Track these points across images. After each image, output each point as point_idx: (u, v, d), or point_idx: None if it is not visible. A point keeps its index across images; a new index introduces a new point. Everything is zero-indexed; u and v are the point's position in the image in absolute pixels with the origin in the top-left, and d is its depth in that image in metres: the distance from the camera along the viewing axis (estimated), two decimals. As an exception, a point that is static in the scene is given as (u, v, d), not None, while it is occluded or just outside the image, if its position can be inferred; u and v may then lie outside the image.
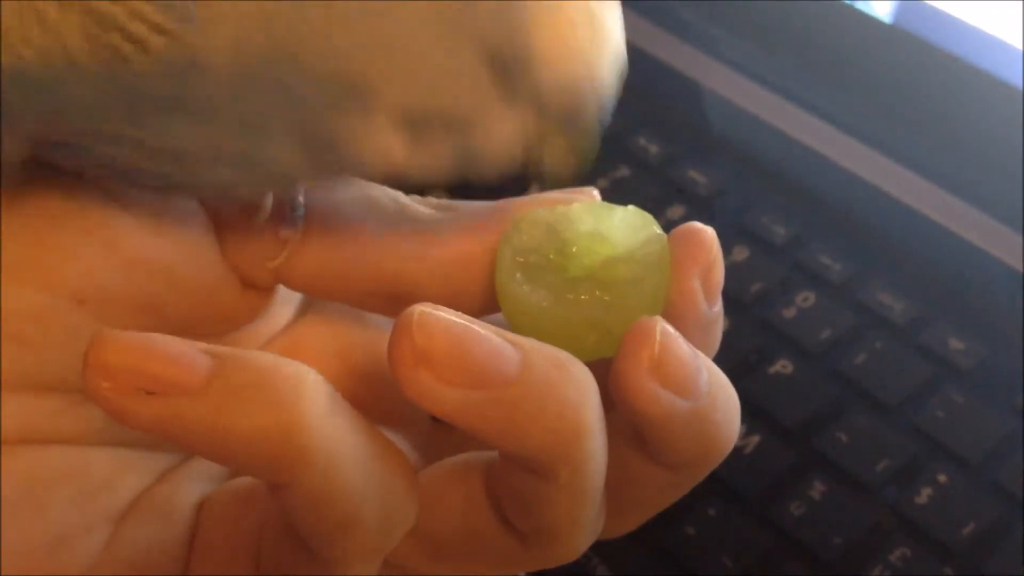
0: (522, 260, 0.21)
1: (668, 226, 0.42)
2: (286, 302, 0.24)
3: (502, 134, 0.19)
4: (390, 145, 0.18)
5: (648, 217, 0.21)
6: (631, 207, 0.21)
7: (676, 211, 0.41)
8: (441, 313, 0.17)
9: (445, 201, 0.22)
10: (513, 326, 0.21)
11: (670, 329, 0.19)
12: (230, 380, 0.17)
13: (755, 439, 0.34)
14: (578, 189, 0.22)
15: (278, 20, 0.16)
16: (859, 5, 0.44)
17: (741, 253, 0.39)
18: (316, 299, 0.24)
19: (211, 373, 0.17)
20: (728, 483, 0.33)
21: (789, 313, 0.37)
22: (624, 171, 0.42)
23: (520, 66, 0.18)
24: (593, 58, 0.19)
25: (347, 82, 0.17)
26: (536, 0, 0.18)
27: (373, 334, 0.24)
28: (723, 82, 0.46)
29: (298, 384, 0.17)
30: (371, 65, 0.17)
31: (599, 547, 0.24)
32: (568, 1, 0.18)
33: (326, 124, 0.18)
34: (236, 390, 0.17)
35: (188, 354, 0.17)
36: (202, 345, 0.17)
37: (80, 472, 0.20)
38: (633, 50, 0.51)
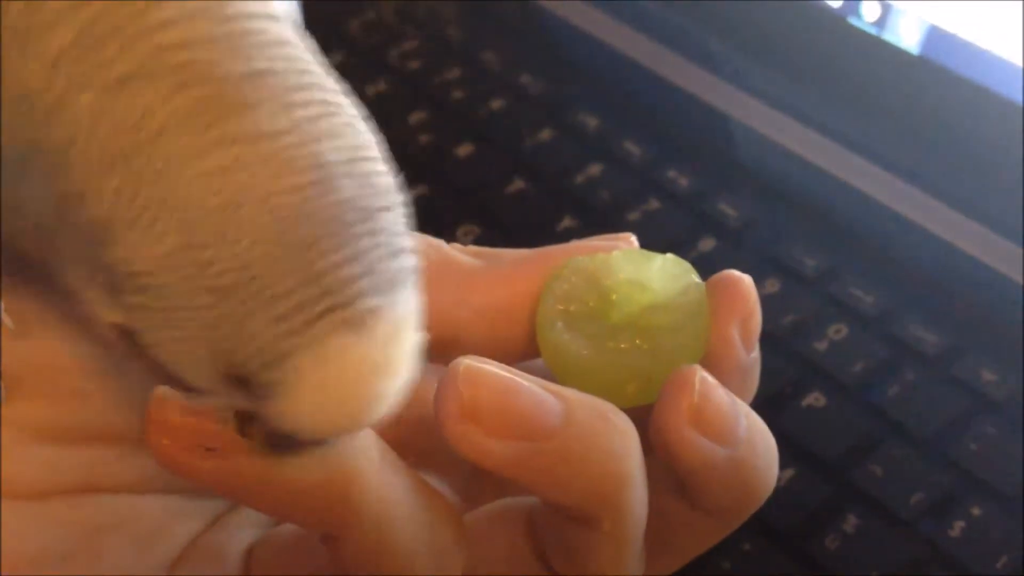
0: (563, 308, 0.21)
1: (699, 259, 0.42)
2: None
3: (213, 399, 0.17)
4: (103, 320, 0.16)
5: (686, 265, 0.22)
6: (670, 255, 0.22)
7: (707, 243, 0.41)
8: (486, 366, 0.18)
9: (487, 249, 0.23)
10: (554, 373, 0.21)
11: (709, 377, 0.19)
12: None
13: (789, 472, 0.34)
14: (617, 236, 0.23)
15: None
16: (887, 36, 0.44)
17: (773, 285, 0.40)
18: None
19: None
20: (763, 517, 0.33)
21: (821, 346, 0.38)
22: (655, 204, 0.43)
23: (258, 392, 0.16)
24: (340, 416, 0.16)
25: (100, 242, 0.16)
26: (316, 348, 0.15)
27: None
28: (753, 114, 0.46)
29: (351, 438, 0.17)
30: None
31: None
32: (349, 359, 0.15)
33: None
34: None
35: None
36: None
37: (134, 519, 0.21)
38: (662, 83, 0.51)
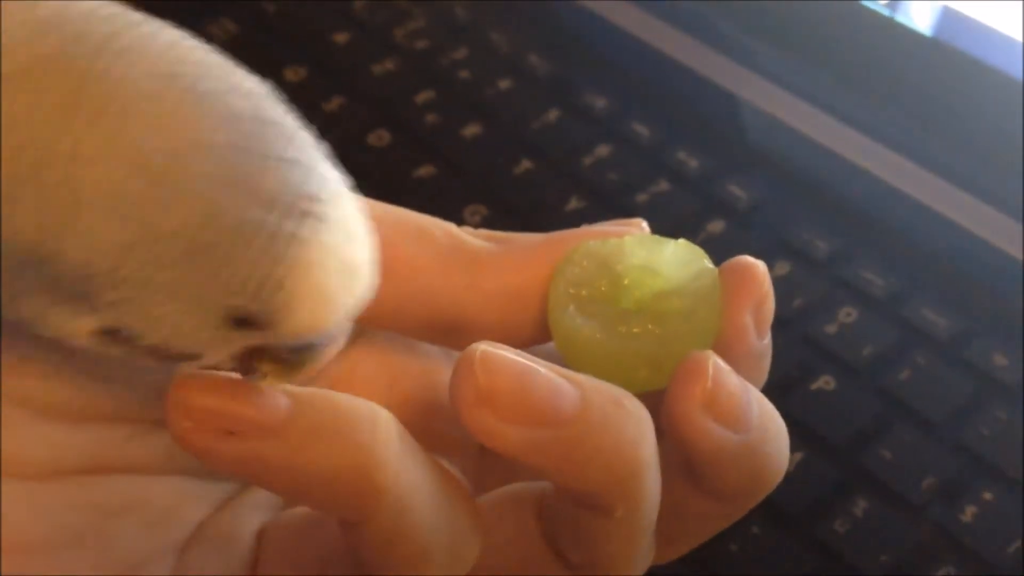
0: (574, 292, 0.21)
1: (708, 241, 0.42)
2: (338, 331, 0.24)
3: (217, 355, 0.17)
4: (79, 333, 0.16)
5: (699, 250, 0.21)
6: (682, 240, 0.22)
7: (716, 226, 0.41)
8: (503, 352, 0.18)
9: (498, 233, 0.23)
10: (565, 357, 0.21)
11: (722, 363, 0.19)
12: (308, 421, 0.17)
13: (798, 456, 0.34)
14: (628, 221, 0.23)
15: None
16: (899, 18, 0.43)
17: (782, 268, 0.39)
18: (366, 328, 0.24)
19: (289, 414, 0.17)
20: (772, 501, 0.33)
21: (831, 329, 0.37)
22: (664, 185, 0.42)
23: (262, 320, 0.16)
24: (336, 308, 0.17)
25: (81, 275, 0.16)
26: (296, 257, 0.16)
27: (423, 362, 0.24)
28: (762, 95, 0.46)
29: (373, 425, 0.17)
30: (108, 283, 0.16)
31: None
32: (326, 255, 0.16)
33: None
34: (314, 431, 0.17)
35: (267, 395, 0.17)
36: (280, 385, 0.17)
37: (146, 501, 0.21)
38: (671, 64, 0.51)
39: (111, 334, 0.16)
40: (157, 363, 0.17)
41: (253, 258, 0.16)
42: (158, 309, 0.16)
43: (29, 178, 0.15)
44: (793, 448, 0.34)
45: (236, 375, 0.18)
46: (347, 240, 0.17)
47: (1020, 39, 0.40)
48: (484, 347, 0.18)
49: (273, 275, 0.16)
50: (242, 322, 0.16)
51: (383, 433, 0.18)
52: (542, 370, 0.18)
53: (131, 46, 0.15)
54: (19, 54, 0.15)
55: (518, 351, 0.18)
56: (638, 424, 0.18)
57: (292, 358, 0.17)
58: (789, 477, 0.33)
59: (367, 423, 0.17)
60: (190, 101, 0.15)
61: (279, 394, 0.17)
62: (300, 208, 0.16)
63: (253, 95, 0.16)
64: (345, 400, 0.18)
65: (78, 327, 0.16)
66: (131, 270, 0.15)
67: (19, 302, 0.16)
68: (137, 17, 0.16)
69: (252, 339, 0.17)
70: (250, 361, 0.17)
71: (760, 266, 0.21)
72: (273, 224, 0.16)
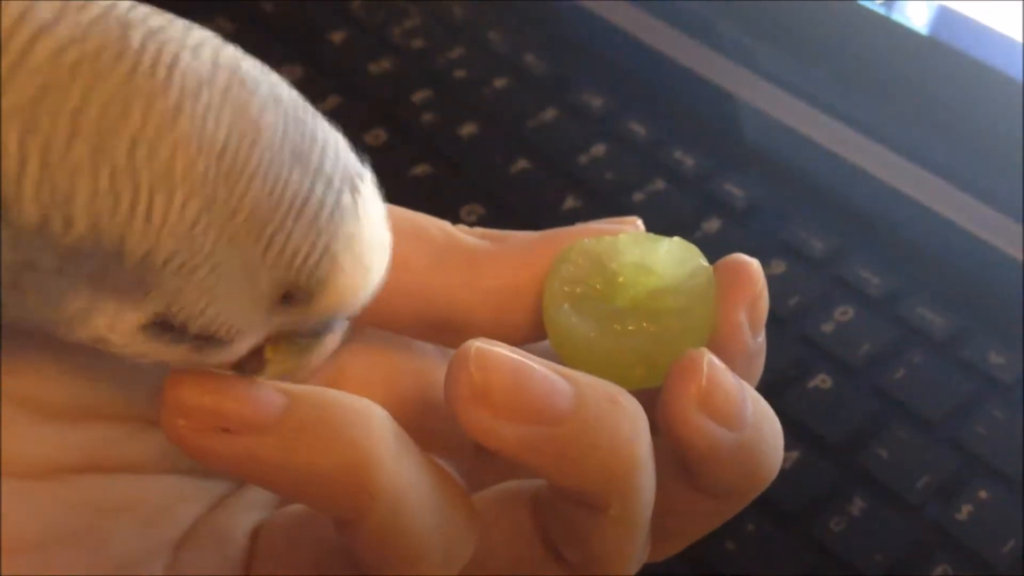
0: (569, 290, 0.21)
1: (705, 239, 0.42)
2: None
3: (251, 340, 0.17)
4: (123, 328, 0.16)
5: (693, 249, 0.21)
6: (676, 238, 0.22)
7: (712, 224, 0.41)
8: (498, 349, 0.18)
9: (493, 231, 0.23)
10: (560, 355, 0.21)
11: (717, 361, 0.19)
12: (302, 418, 0.17)
13: (795, 454, 0.34)
14: (623, 219, 0.23)
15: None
16: (895, 16, 0.44)
17: (779, 267, 0.39)
18: (361, 326, 0.24)
19: (284, 412, 0.17)
20: (768, 499, 0.33)
21: (828, 328, 0.37)
22: (660, 184, 0.42)
23: (304, 295, 0.17)
24: (365, 291, 0.18)
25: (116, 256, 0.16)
26: (345, 229, 0.17)
27: (418, 361, 0.24)
28: (759, 94, 0.46)
29: (367, 422, 0.17)
30: (155, 267, 0.16)
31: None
32: (368, 228, 0.17)
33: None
34: (308, 429, 0.17)
35: (262, 393, 0.17)
36: (275, 383, 0.17)
37: (139, 500, 0.21)
38: (668, 63, 0.51)
39: (158, 325, 0.16)
40: (187, 356, 0.17)
41: (310, 229, 0.16)
42: (212, 291, 0.16)
43: (85, 168, 0.15)
44: (789, 447, 0.34)
45: (230, 372, 0.18)
46: (380, 217, 0.18)
47: (1016, 37, 0.40)
48: (479, 344, 0.18)
49: (327, 247, 0.16)
50: (286, 299, 0.17)
51: (378, 430, 0.18)
52: (537, 367, 0.18)
53: (172, 38, 0.15)
54: (70, 52, 0.15)
55: (513, 348, 0.18)
56: (633, 421, 0.18)
57: (305, 342, 0.18)
58: (786, 476, 0.34)
59: (361, 420, 0.17)
60: (238, 83, 0.16)
61: (273, 392, 0.17)
62: (349, 183, 0.17)
63: (281, 81, 0.17)
64: (339, 397, 0.18)
65: (123, 322, 0.16)
66: (192, 252, 0.16)
67: (63, 302, 0.16)
68: (167, 16, 0.16)
69: (285, 319, 0.17)
70: (258, 352, 0.18)
71: (754, 264, 0.21)
72: (331, 198, 0.16)
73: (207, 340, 0.17)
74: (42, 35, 0.15)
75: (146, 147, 0.15)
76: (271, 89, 0.16)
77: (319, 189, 0.16)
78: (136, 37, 0.15)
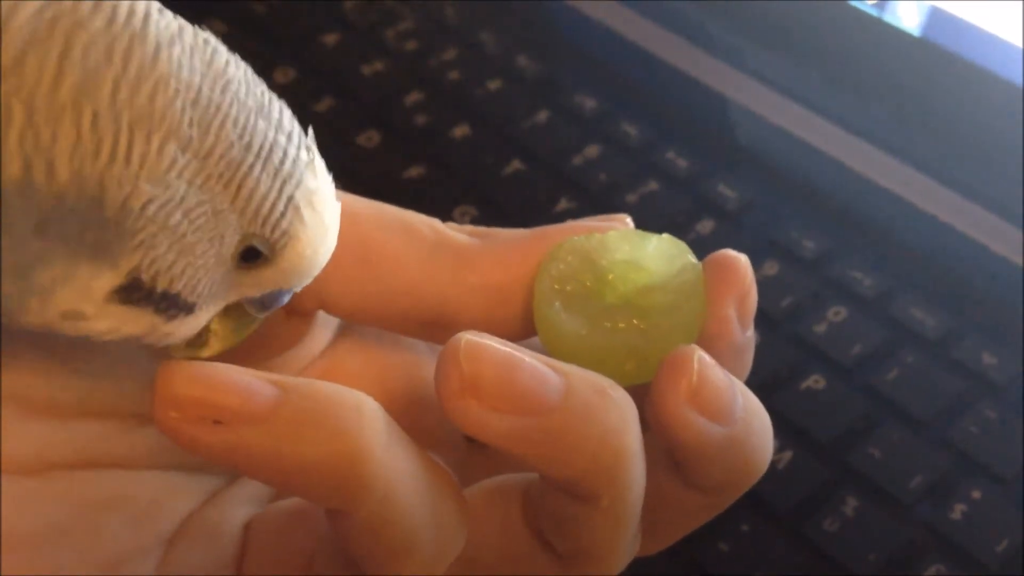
0: (559, 288, 0.21)
1: (698, 241, 0.42)
2: (324, 326, 0.24)
3: (216, 305, 0.18)
4: (95, 296, 0.17)
5: (682, 245, 0.21)
6: (665, 235, 0.22)
7: (705, 225, 0.41)
8: (487, 341, 0.18)
9: (482, 228, 0.23)
10: (550, 352, 0.21)
11: (707, 357, 0.19)
12: (294, 409, 0.17)
13: (787, 455, 0.34)
14: (612, 216, 0.23)
15: None
16: (887, 17, 0.44)
17: (771, 267, 0.39)
18: (351, 323, 0.24)
19: (276, 403, 0.17)
20: (761, 499, 0.33)
21: (820, 328, 0.37)
22: (653, 185, 0.42)
23: (267, 252, 0.18)
24: (324, 251, 0.19)
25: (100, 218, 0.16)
26: (306, 183, 0.18)
27: (408, 357, 0.24)
28: (751, 95, 0.46)
29: (359, 413, 0.17)
30: (136, 226, 0.16)
31: (632, 563, 0.25)
32: (326, 188, 0.18)
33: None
34: (300, 419, 0.17)
35: (254, 384, 0.17)
36: (267, 375, 0.18)
37: (131, 495, 0.21)
38: (660, 64, 0.51)
39: (127, 290, 0.17)
40: (153, 325, 0.17)
41: (275, 178, 0.17)
42: (183, 241, 0.17)
43: (68, 112, 0.15)
44: (782, 447, 0.34)
45: (226, 365, 0.18)
46: (332, 184, 0.18)
47: (1007, 39, 0.41)
48: (469, 336, 0.18)
49: (291, 198, 0.17)
50: (250, 255, 0.18)
51: (369, 421, 0.18)
52: (527, 358, 0.18)
53: (147, 14, 0.16)
54: (49, 10, 0.15)
55: (503, 340, 0.18)
56: (623, 412, 0.18)
57: (250, 318, 0.19)
58: (779, 476, 0.34)
59: (353, 411, 0.17)
60: (203, 40, 0.17)
61: (265, 383, 0.17)
62: (304, 142, 0.18)
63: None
64: (331, 389, 0.18)
65: (95, 288, 0.16)
66: (168, 197, 0.16)
67: (36, 270, 0.16)
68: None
69: (243, 285, 0.18)
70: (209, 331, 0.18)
71: (742, 259, 0.21)
72: (292, 150, 0.17)
73: (173, 303, 0.17)
74: (20, 3, 0.15)
75: (127, 88, 0.15)
76: (228, 51, 0.17)
77: (282, 140, 0.17)
78: (106, 9, 0.16)
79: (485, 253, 0.22)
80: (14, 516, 0.19)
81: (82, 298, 0.17)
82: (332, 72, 0.46)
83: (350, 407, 0.18)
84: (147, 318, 0.17)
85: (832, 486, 0.33)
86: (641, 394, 0.20)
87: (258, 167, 0.17)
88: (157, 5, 0.16)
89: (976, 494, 0.33)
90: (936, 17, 0.42)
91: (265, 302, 0.19)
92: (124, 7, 0.16)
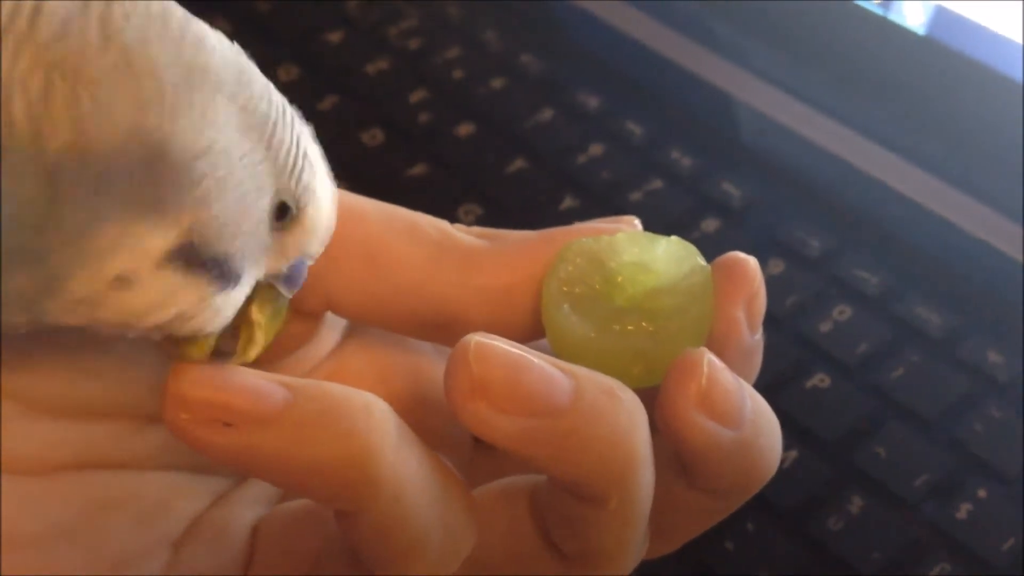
0: (568, 290, 0.21)
1: (702, 239, 0.42)
2: (332, 328, 0.24)
3: (249, 279, 0.18)
4: (149, 256, 0.17)
5: (691, 247, 0.21)
6: (674, 237, 0.22)
7: (710, 224, 0.41)
8: (496, 342, 0.18)
9: (489, 230, 0.23)
10: (559, 355, 0.21)
11: (716, 361, 0.19)
12: (304, 411, 0.17)
13: (793, 454, 0.34)
14: (620, 218, 0.23)
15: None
16: (892, 16, 0.44)
17: (776, 266, 0.39)
18: (357, 324, 0.24)
19: (286, 404, 0.17)
20: (766, 498, 0.33)
21: (825, 327, 0.37)
22: (657, 184, 0.42)
23: (294, 208, 0.18)
24: (333, 213, 0.20)
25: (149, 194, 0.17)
26: (310, 148, 0.19)
27: (414, 359, 0.24)
28: (755, 94, 0.46)
29: (368, 414, 0.18)
30: (180, 192, 0.17)
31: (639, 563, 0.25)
32: (324, 168, 0.19)
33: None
34: (310, 421, 0.17)
35: (264, 386, 0.17)
36: (277, 376, 0.18)
37: (138, 497, 0.21)
38: (664, 62, 0.51)
39: (182, 252, 0.17)
40: (203, 293, 0.17)
41: (291, 132, 0.18)
42: (233, 196, 0.17)
43: (118, 72, 0.15)
44: (787, 446, 0.34)
45: (236, 367, 0.18)
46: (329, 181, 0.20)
47: (1012, 37, 0.41)
48: (478, 338, 0.18)
49: (305, 151, 0.18)
50: (280, 212, 0.18)
51: (379, 422, 0.18)
52: (536, 360, 0.18)
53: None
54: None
55: (513, 343, 0.18)
56: (631, 414, 0.18)
57: (281, 300, 0.19)
58: (784, 475, 0.34)
59: (362, 413, 0.18)
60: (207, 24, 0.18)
61: (275, 385, 0.17)
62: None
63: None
64: (340, 390, 0.18)
65: (151, 248, 0.16)
66: (222, 148, 0.17)
67: (92, 231, 0.16)
68: None
69: (273, 253, 0.19)
70: (247, 319, 0.19)
71: (751, 261, 0.21)
72: (292, 112, 0.18)
73: (222, 271, 0.17)
74: None
75: (172, 45, 0.16)
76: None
77: (284, 102, 0.18)
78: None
79: (493, 255, 0.22)
80: (21, 516, 0.19)
81: (136, 259, 0.16)
82: (335, 70, 0.46)
83: (360, 408, 0.18)
84: (198, 288, 0.17)
85: (837, 485, 0.33)
86: (650, 397, 0.20)
87: (280, 122, 0.18)
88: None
89: (981, 493, 0.33)
90: (941, 16, 0.42)
91: (292, 277, 0.19)
92: None
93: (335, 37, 0.48)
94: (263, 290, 0.19)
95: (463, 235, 0.22)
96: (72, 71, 0.15)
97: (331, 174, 0.20)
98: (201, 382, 0.17)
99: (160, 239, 0.16)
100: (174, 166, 0.16)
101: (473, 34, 0.48)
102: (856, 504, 0.33)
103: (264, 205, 0.18)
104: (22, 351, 0.19)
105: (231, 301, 0.18)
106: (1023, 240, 0.40)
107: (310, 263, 0.20)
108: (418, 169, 0.42)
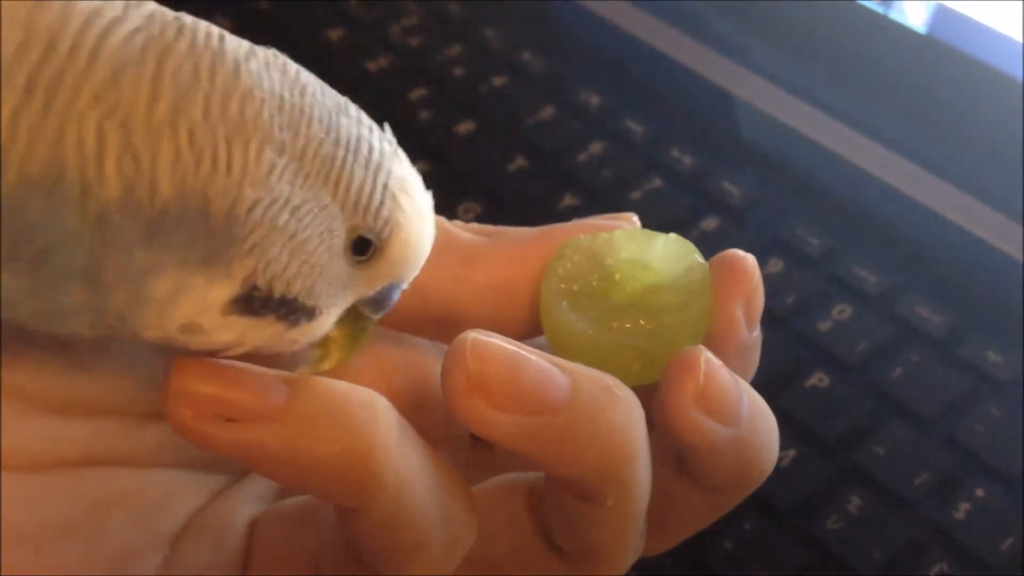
0: (566, 287, 0.21)
1: (702, 238, 0.42)
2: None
3: (338, 304, 0.18)
4: (213, 307, 0.17)
5: (689, 245, 0.21)
6: (673, 235, 0.22)
7: (710, 223, 0.41)
8: (494, 340, 0.18)
9: (489, 227, 0.23)
10: (557, 352, 0.21)
11: (714, 359, 0.19)
12: (306, 407, 0.17)
13: (792, 453, 0.34)
14: (619, 215, 0.23)
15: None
16: (893, 15, 0.44)
17: (776, 265, 0.39)
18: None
19: (288, 401, 0.17)
20: (765, 497, 0.33)
21: (825, 326, 0.37)
22: (657, 182, 0.42)
23: (374, 242, 0.18)
24: (426, 236, 0.19)
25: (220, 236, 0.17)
26: (396, 173, 0.18)
27: (413, 355, 0.24)
28: (756, 92, 0.46)
29: (371, 411, 0.18)
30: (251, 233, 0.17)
31: (637, 561, 0.25)
32: (415, 177, 0.19)
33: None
34: (312, 417, 0.17)
35: (266, 382, 0.17)
36: (279, 373, 0.18)
37: (137, 493, 0.21)
38: (665, 61, 0.51)
39: (245, 299, 0.17)
40: (276, 332, 0.17)
41: (367, 169, 0.18)
42: (295, 239, 0.17)
43: (165, 131, 0.16)
44: (787, 445, 0.34)
45: (238, 363, 0.18)
46: (423, 197, 0.19)
47: (1013, 36, 0.40)
48: (475, 335, 0.18)
49: (386, 186, 0.18)
50: (360, 247, 0.18)
51: (382, 419, 0.18)
52: (533, 357, 0.18)
53: (221, 35, 0.17)
54: (139, 35, 0.16)
55: (510, 340, 0.18)
56: (629, 412, 0.18)
57: (365, 321, 0.19)
58: (783, 474, 0.34)
59: (366, 410, 0.18)
60: (272, 54, 0.17)
61: (278, 381, 0.17)
62: (381, 134, 0.18)
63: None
64: (343, 387, 0.18)
65: (212, 301, 0.17)
66: (272, 199, 0.16)
67: (148, 282, 0.16)
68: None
69: (359, 280, 0.18)
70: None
71: (750, 259, 0.21)
72: (376, 142, 0.18)
73: (292, 308, 0.17)
74: (112, 27, 0.16)
75: (218, 103, 0.16)
76: (293, 62, 0.18)
77: (365, 133, 0.18)
78: (186, 19, 0.17)
79: (492, 252, 0.22)
80: (20, 513, 0.19)
81: (199, 310, 0.17)
82: (336, 68, 0.46)
83: (363, 404, 0.18)
84: (269, 327, 0.17)
85: (836, 484, 0.33)
86: (648, 394, 0.20)
87: (350, 159, 0.17)
88: (218, 30, 0.17)
89: (981, 492, 0.33)
90: (942, 15, 0.42)
91: (379, 301, 0.19)
92: (202, 29, 0.16)
93: (336, 34, 0.48)
94: (350, 308, 0.19)
95: (462, 232, 0.22)
96: (123, 122, 0.15)
97: (424, 189, 0.19)
98: (204, 377, 0.17)
99: (219, 289, 0.17)
100: (222, 222, 0.16)
101: (474, 32, 0.48)
102: (855, 503, 0.33)
103: (337, 244, 0.17)
104: (21, 349, 0.19)
105: (309, 332, 0.18)
106: (1023, 239, 0.40)
107: (405, 287, 0.20)
108: (418, 166, 0.42)
